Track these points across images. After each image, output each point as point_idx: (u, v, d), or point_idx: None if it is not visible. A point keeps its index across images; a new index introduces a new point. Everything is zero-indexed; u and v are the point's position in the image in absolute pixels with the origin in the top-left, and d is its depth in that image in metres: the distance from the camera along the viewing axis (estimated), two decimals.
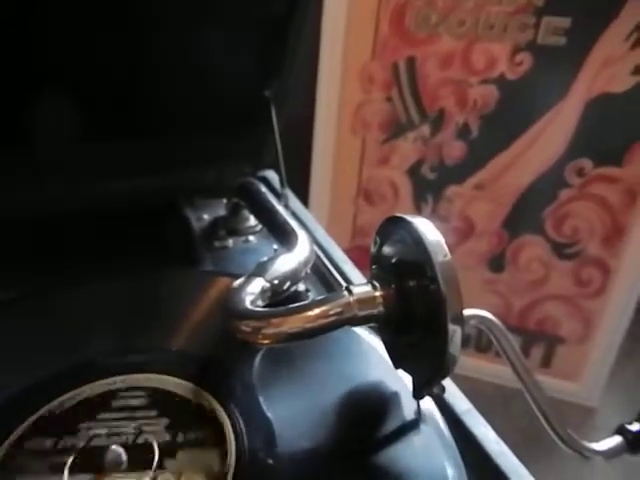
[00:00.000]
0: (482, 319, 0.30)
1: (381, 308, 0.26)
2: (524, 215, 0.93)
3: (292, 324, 0.25)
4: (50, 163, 0.44)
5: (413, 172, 0.96)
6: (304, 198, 0.50)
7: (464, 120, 0.89)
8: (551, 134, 0.86)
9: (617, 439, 0.31)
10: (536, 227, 0.93)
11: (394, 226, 0.27)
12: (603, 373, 0.98)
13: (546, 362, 1.02)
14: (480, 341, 1.04)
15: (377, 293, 0.26)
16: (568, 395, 0.99)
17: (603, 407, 1.00)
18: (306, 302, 0.26)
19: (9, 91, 0.39)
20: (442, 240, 0.24)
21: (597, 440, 0.30)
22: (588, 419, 0.99)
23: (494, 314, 0.30)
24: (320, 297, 0.27)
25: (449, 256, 0.24)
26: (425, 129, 0.92)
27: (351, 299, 0.26)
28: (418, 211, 0.98)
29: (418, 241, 0.25)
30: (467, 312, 0.29)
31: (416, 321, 0.26)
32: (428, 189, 0.96)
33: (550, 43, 0.81)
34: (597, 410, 1.00)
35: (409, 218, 0.26)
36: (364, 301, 0.26)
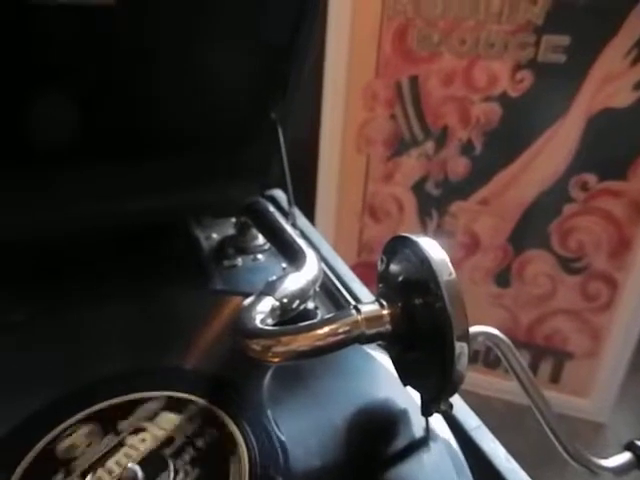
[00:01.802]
0: (489, 336, 0.30)
1: (388, 326, 0.27)
2: (529, 230, 0.93)
3: (301, 342, 0.26)
4: (58, 185, 0.45)
5: (418, 188, 0.96)
6: (310, 215, 0.51)
7: (467, 137, 0.90)
8: (554, 149, 0.87)
9: (627, 455, 0.31)
10: (541, 242, 0.93)
11: (400, 245, 0.27)
12: (613, 388, 0.97)
13: (555, 378, 1.01)
14: (488, 357, 1.03)
15: (384, 311, 0.27)
16: (578, 411, 0.98)
17: (613, 423, 0.99)
18: (315, 321, 0.27)
19: (14, 113, 0.40)
20: (447, 259, 0.25)
21: (608, 456, 0.30)
22: (598, 435, 0.97)
23: (501, 329, 0.30)
24: (328, 315, 0.27)
25: (454, 275, 0.24)
26: (429, 146, 0.93)
27: (359, 317, 0.26)
28: (423, 227, 0.98)
29: (423, 260, 0.25)
30: (474, 329, 0.29)
31: (423, 339, 0.26)
32: (433, 205, 0.97)
33: (550, 60, 0.82)
34: (607, 426, 0.99)
35: (414, 237, 0.26)
36: (372, 319, 0.26)
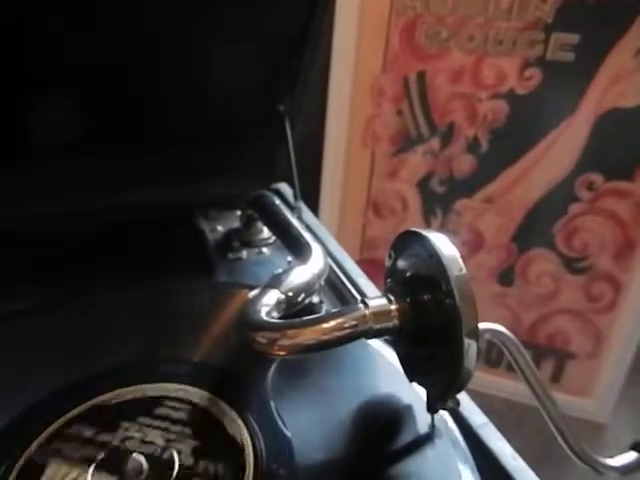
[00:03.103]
0: (496, 333, 0.30)
1: (396, 321, 0.26)
2: (534, 229, 0.93)
3: (307, 336, 0.25)
4: (66, 177, 0.45)
5: (422, 185, 0.96)
6: (314, 210, 0.51)
7: (474, 134, 0.90)
8: (561, 148, 0.87)
9: (632, 455, 0.31)
10: (546, 241, 0.93)
11: (409, 240, 0.27)
12: (614, 389, 0.97)
13: (556, 377, 1.01)
14: (490, 355, 1.03)
15: (392, 306, 0.27)
16: (578, 411, 0.98)
17: (614, 423, 0.99)
18: (321, 314, 0.27)
19: (20, 106, 0.39)
20: (457, 254, 0.25)
21: (608, 456, 0.30)
22: (599, 435, 0.97)
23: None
24: (335, 309, 0.27)
25: (464, 270, 0.24)
26: (435, 143, 0.92)
27: (367, 312, 0.26)
28: (427, 224, 0.98)
29: (433, 255, 0.25)
30: (481, 326, 0.29)
31: (431, 335, 0.26)
32: (437, 202, 0.96)
33: (559, 59, 0.82)
34: (608, 426, 0.99)
35: (424, 232, 0.26)
36: (379, 314, 0.26)
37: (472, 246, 0.97)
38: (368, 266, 1.00)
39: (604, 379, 0.97)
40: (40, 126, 0.40)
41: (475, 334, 0.24)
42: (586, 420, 0.98)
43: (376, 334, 0.27)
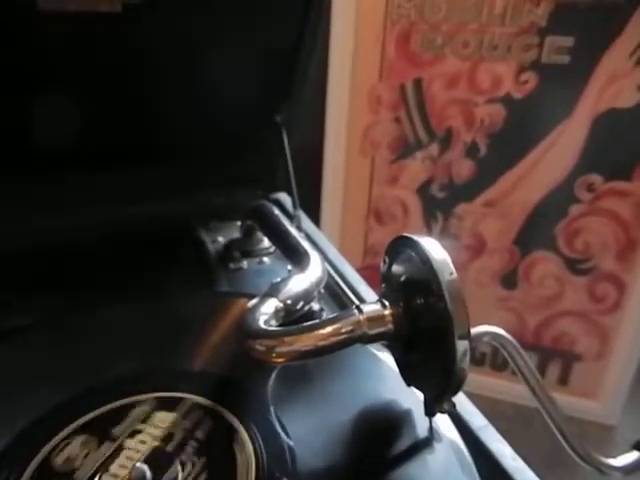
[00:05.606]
0: (495, 336, 0.30)
1: (390, 326, 0.27)
2: (535, 231, 0.93)
3: (304, 342, 0.26)
4: (65, 191, 0.46)
5: (422, 191, 0.96)
6: (315, 218, 0.51)
7: (472, 139, 0.90)
8: (559, 150, 0.87)
9: (635, 454, 0.31)
10: (548, 243, 0.93)
11: (402, 246, 0.28)
12: (622, 390, 0.96)
13: (563, 380, 1.00)
14: (496, 359, 1.02)
15: (386, 311, 0.27)
16: (587, 414, 0.97)
17: (622, 425, 0.98)
18: (317, 321, 0.27)
19: (18, 119, 0.40)
20: (448, 259, 0.25)
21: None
22: (608, 437, 0.97)
23: (508, 331, 0.30)
24: (331, 315, 0.27)
25: (455, 274, 0.24)
26: (433, 148, 0.93)
27: (361, 317, 0.26)
28: (428, 230, 0.98)
29: (425, 260, 0.25)
30: (479, 329, 0.29)
31: (425, 338, 0.26)
32: (438, 207, 0.97)
33: (554, 62, 0.82)
34: (616, 428, 0.98)
35: (416, 238, 0.26)
36: (374, 319, 0.27)
37: (474, 250, 0.97)
38: (371, 272, 1.00)
39: (611, 380, 0.96)
40: (40, 141, 0.41)
41: (467, 336, 0.24)
42: (595, 422, 0.98)
43: (372, 339, 0.27)
